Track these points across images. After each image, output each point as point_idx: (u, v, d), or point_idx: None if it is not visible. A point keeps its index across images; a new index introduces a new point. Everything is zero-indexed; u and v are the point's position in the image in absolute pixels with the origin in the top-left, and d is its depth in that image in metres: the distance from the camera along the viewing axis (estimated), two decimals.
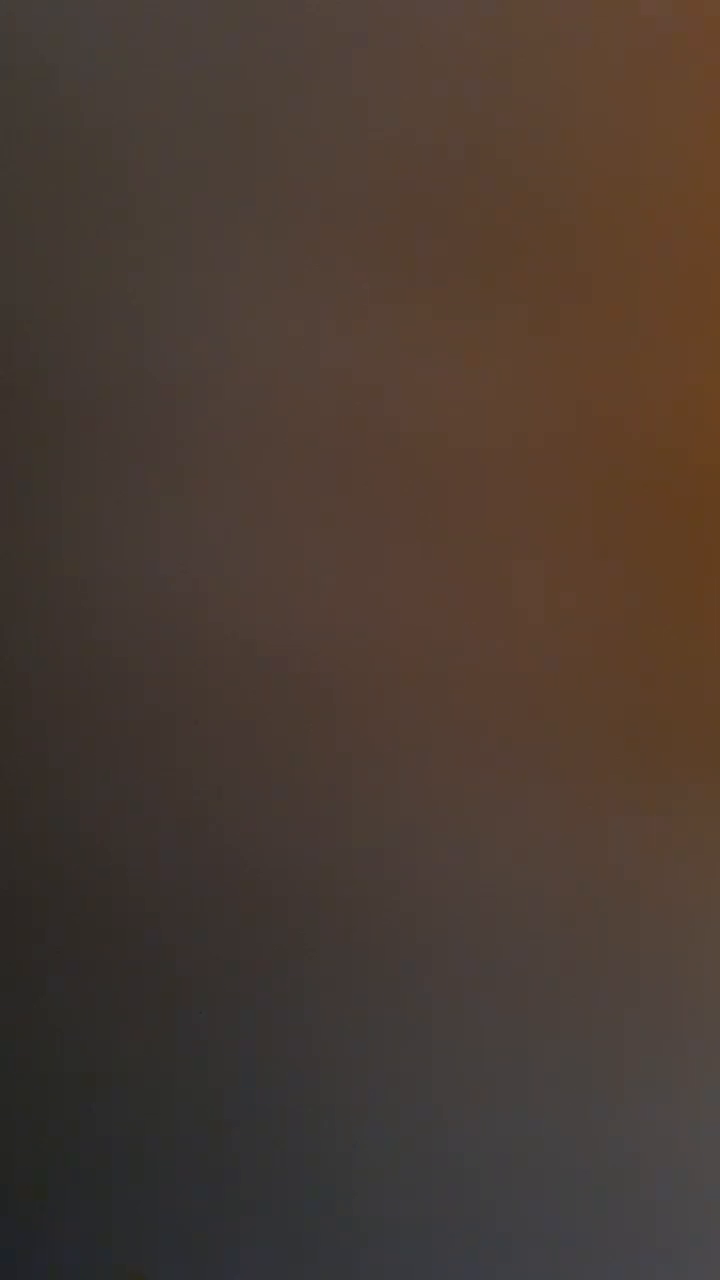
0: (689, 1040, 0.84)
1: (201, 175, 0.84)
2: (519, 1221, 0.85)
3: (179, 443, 0.85)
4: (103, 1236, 0.87)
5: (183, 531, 0.85)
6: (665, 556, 0.84)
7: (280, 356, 0.84)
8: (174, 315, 0.84)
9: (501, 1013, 0.85)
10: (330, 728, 0.85)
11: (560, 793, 0.84)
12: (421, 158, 0.83)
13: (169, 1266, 0.87)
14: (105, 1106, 0.87)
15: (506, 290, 0.83)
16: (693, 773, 0.84)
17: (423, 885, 0.85)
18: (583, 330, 0.83)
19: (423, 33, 0.82)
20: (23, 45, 0.84)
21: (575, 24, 0.82)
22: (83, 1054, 0.86)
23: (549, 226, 0.83)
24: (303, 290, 0.84)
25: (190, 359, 0.85)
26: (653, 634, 0.84)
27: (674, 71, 0.82)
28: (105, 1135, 0.87)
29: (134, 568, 0.85)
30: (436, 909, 0.85)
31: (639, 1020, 0.84)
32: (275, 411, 0.84)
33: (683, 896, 0.84)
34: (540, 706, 0.84)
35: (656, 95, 0.82)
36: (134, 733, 0.86)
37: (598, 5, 0.82)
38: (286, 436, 0.84)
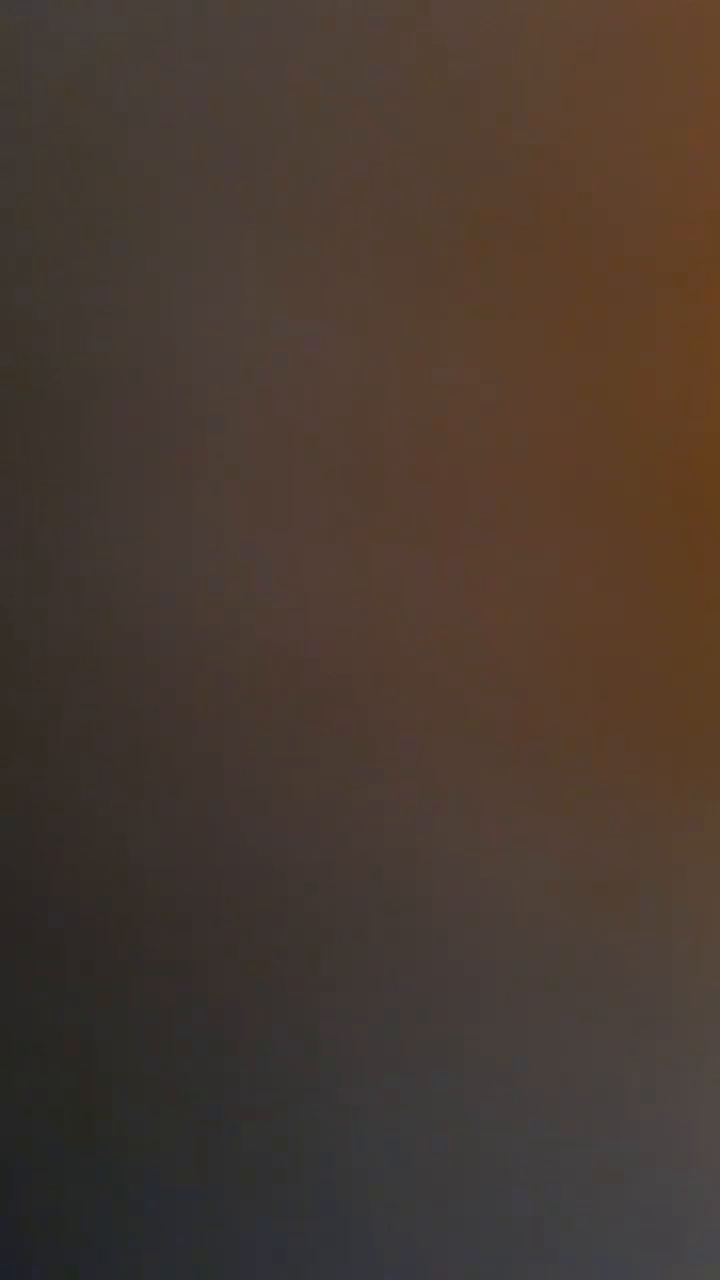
0: (704, 1039, 0.84)
1: (205, 173, 0.84)
2: (523, 1224, 0.85)
3: (183, 437, 0.85)
4: (104, 1230, 0.87)
5: (187, 526, 0.85)
6: (670, 550, 0.84)
7: (284, 353, 0.84)
8: (178, 310, 0.85)
9: (509, 1006, 0.85)
10: (333, 721, 0.85)
11: (567, 787, 0.84)
12: (427, 156, 0.83)
13: (170, 1262, 0.87)
14: (107, 1101, 0.87)
15: (512, 290, 0.83)
16: (704, 766, 0.83)
17: (427, 877, 0.84)
18: (589, 330, 0.83)
19: (430, 33, 0.82)
20: (24, 43, 0.84)
21: (584, 22, 0.82)
22: (86, 1045, 0.86)
23: (554, 225, 0.83)
24: (307, 289, 0.84)
25: (194, 354, 0.85)
26: (659, 627, 0.84)
27: (681, 72, 0.82)
28: (107, 1131, 0.87)
29: (139, 562, 0.85)
30: (442, 900, 0.84)
31: (653, 1020, 0.84)
32: (280, 406, 0.84)
33: (698, 893, 0.84)
34: (545, 699, 0.84)
35: (664, 94, 0.82)
36: (136, 727, 0.86)
37: (606, 5, 0.82)
38: (291, 432, 0.84)
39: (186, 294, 0.84)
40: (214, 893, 0.85)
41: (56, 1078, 0.87)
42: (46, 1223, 0.87)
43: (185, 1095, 0.86)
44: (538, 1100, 0.85)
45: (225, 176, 0.84)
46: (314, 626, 0.84)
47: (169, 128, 0.84)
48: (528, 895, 0.84)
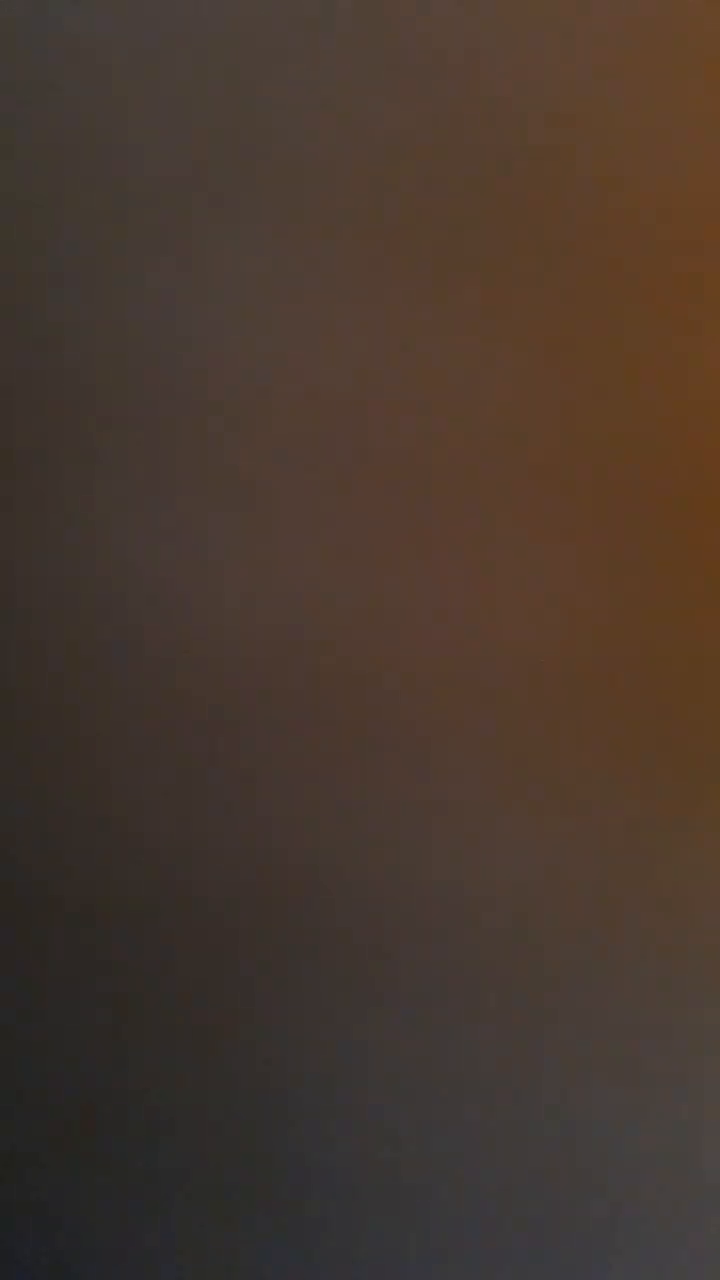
0: (703, 1039, 0.84)
1: (200, 169, 0.84)
2: (523, 1223, 0.85)
3: (185, 432, 0.85)
4: (101, 1225, 0.87)
5: (182, 524, 0.85)
6: (671, 551, 0.84)
7: (285, 349, 0.84)
8: (178, 310, 0.85)
9: (508, 1007, 0.85)
10: (332, 720, 0.85)
11: (565, 787, 0.84)
12: (426, 154, 0.83)
13: (169, 1259, 0.87)
14: (107, 1098, 0.87)
15: (513, 285, 0.83)
16: (703, 767, 0.83)
17: (425, 877, 0.85)
18: (584, 329, 0.83)
19: (428, 28, 0.82)
20: (22, 38, 0.84)
21: (582, 20, 0.82)
22: (85, 1043, 0.87)
23: (551, 226, 0.83)
24: (303, 286, 0.84)
25: (194, 351, 0.85)
26: (658, 627, 0.84)
27: (679, 68, 0.82)
28: (106, 1130, 0.87)
29: (139, 557, 0.85)
30: (440, 901, 0.85)
31: (652, 1020, 0.84)
32: (281, 401, 0.84)
33: (697, 894, 0.84)
34: (544, 699, 0.84)
35: (662, 97, 0.82)
36: (136, 723, 0.86)
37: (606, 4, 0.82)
38: (294, 430, 0.84)
39: (186, 295, 0.84)
40: (212, 892, 0.86)
41: (55, 1077, 0.87)
42: (45, 1222, 0.87)
43: (183, 1093, 0.86)
44: (537, 1101, 0.85)
45: (223, 171, 0.84)
46: (312, 627, 0.85)
47: (167, 121, 0.84)
48: (526, 896, 0.84)
